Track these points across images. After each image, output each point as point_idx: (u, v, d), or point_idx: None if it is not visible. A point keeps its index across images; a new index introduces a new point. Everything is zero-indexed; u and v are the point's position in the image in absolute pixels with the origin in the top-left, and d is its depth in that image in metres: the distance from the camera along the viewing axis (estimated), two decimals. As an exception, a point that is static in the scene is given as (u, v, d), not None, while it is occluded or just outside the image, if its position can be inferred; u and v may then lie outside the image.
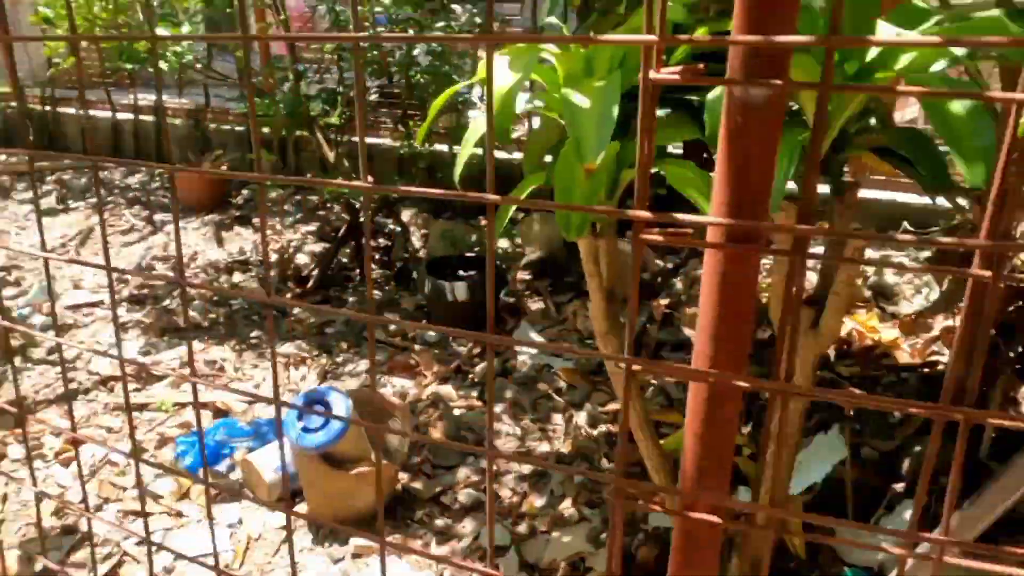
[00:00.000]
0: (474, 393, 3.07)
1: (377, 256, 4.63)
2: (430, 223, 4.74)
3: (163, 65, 3.19)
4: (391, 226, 4.71)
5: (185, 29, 3.25)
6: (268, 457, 2.49)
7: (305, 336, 3.60)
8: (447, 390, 3.07)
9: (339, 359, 3.39)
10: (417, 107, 4.44)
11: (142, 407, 2.97)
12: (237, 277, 4.30)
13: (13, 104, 7.62)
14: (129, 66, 3.21)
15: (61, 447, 2.73)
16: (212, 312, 3.85)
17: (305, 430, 2.26)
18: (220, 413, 2.93)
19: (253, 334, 3.64)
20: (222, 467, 2.63)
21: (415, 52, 3.89)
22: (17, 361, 3.35)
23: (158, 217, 5.43)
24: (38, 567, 2.24)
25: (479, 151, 1.42)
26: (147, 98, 6.82)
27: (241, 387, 3.13)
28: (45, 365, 3.33)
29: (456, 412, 2.93)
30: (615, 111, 1.18)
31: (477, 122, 1.47)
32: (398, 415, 2.51)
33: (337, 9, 3.64)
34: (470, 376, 3.20)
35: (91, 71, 7.10)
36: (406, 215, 4.83)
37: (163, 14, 3.32)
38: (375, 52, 3.96)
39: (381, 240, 4.80)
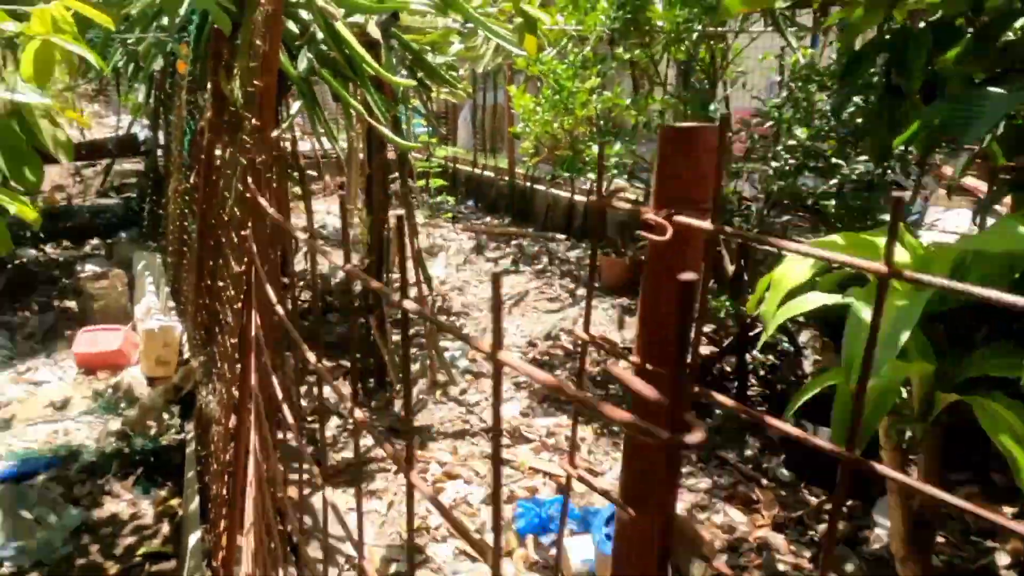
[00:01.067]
0: (806, 553, 2.82)
1: (762, 372, 4.53)
2: (826, 350, 4.46)
3: (591, 175, 3.71)
4: (785, 344, 4.56)
5: (617, 147, 3.74)
6: (581, 546, 2.68)
7: (661, 437, 3.73)
8: (778, 540, 2.89)
9: (684, 470, 3.44)
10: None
11: (505, 462, 3.44)
12: (623, 364, 4.64)
13: (506, 179, 9.40)
14: (567, 174, 3.80)
15: (439, 476, 3.34)
16: (590, 392, 4.25)
17: (609, 537, 2.39)
18: (563, 490, 3.23)
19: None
20: (545, 539, 2.91)
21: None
22: (438, 394, 4.17)
23: (580, 292, 6.15)
24: (392, 569, 2.79)
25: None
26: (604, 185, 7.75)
27: (587, 471, 3.40)
28: (454, 404, 4.08)
29: (780, 567, 2.74)
30: (903, 337, 1.09)
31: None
32: (705, 552, 2.48)
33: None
34: (810, 533, 2.95)
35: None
36: (804, 335, 4.63)
37: (606, 132, 3.86)
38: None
39: (769, 356, 4.68)
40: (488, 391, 4.22)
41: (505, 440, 3.65)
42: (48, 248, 7.53)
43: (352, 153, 7.63)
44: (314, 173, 9.94)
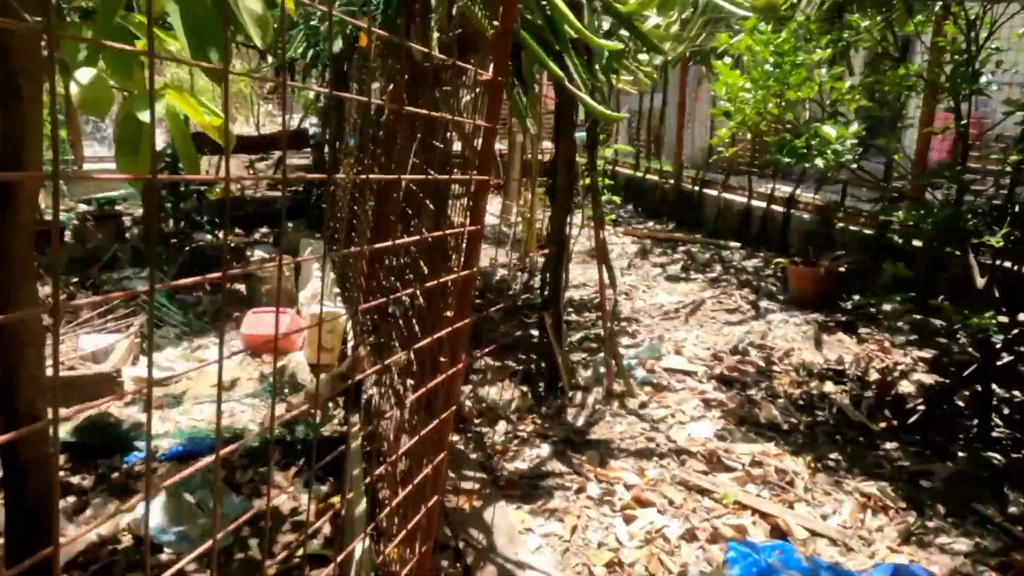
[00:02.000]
0: None
1: (1006, 410, 3.73)
2: (1099, 390, 3.60)
3: (819, 162, 3.12)
4: (1036, 380, 3.74)
5: (852, 128, 3.12)
6: (821, 612, 2.12)
7: (892, 479, 3.07)
8: (1088, 633, 2.19)
9: (930, 524, 2.77)
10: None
11: (704, 492, 2.92)
12: (828, 387, 3.99)
13: (671, 182, 8.82)
14: (787, 160, 3.24)
15: (628, 502, 2.87)
16: (794, 416, 3.63)
17: (880, 609, 1.83)
18: (778, 532, 2.68)
19: (832, 455, 3.28)
20: (766, 595, 2.37)
21: None
22: (615, 405, 3.71)
23: (763, 304, 5.49)
24: (580, 610, 2.35)
25: None
26: (781, 189, 7.03)
27: (807, 513, 2.81)
28: (634, 418, 3.60)
29: (1098, 673, 2.05)
30: None
31: None
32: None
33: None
34: None
35: (741, 160, 7.70)
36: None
37: (832, 113, 3.26)
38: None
39: (1015, 393, 3.86)
40: (673, 406, 3.71)
41: (700, 466, 3.13)
42: (221, 234, 7.79)
43: (513, 146, 7.38)
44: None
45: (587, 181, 3.73)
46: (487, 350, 4.40)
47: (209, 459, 0.83)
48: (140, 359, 4.25)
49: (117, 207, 8.64)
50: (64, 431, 3.34)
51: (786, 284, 5.78)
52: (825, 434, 3.48)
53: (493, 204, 9.33)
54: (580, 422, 3.57)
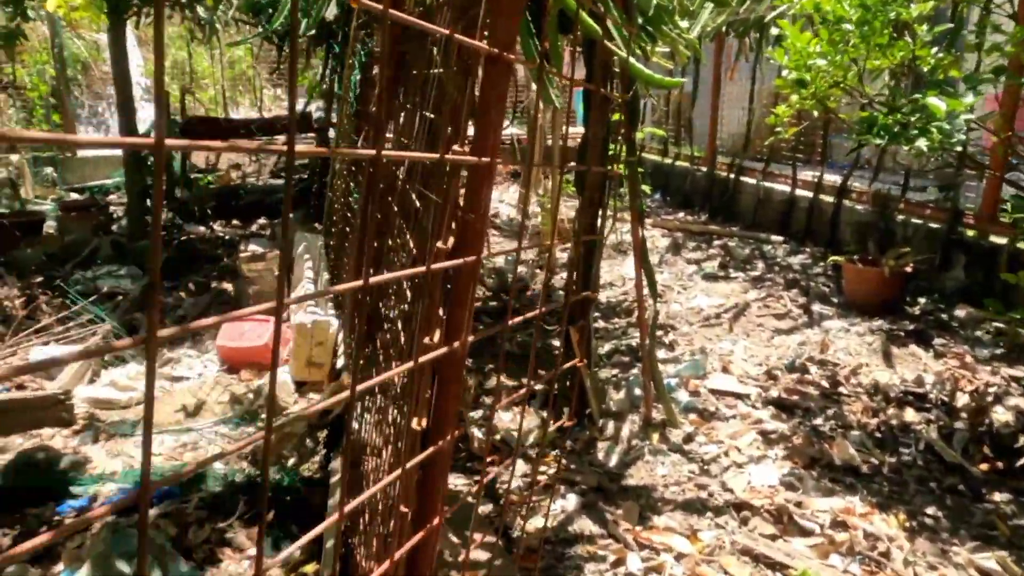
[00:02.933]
0: None
1: None
2: None
3: (921, 144, 2.45)
4: None
5: (968, 99, 2.44)
6: None
7: (1012, 546, 2.42)
8: None
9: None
10: None
11: (776, 567, 2.29)
12: (909, 415, 3.32)
13: (703, 168, 8.13)
14: (878, 141, 2.57)
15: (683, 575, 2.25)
16: (874, 455, 2.98)
17: None
18: (881, 631, 2.04)
19: (929, 510, 2.63)
20: None
21: None
22: (655, 438, 3.08)
23: (816, 308, 4.82)
24: None
25: None
26: (832, 178, 6.32)
27: (915, 599, 2.17)
28: (679, 456, 2.97)
29: None
30: None
31: None
32: None
33: None
34: None
35: (784, 144, 6.99)
36: None
37: (937, 82, 2.58)
38: None
39: None
40: (725, 441, 3.07)
41: (767, 526, 2.49)
42: (216, 226, 7.21)
43: (535, 127, 6.72)
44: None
45: (623, 167, 3.08)
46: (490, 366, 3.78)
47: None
48: (101, 375, 3.67)
49: (110, 196, 8.10)
50: (-9, 473, 2.77)
51: (840, 285, 5.10)
52: (916, 480, 2.83)
53: (510, 193, 8.69)
54: (613, 461, 2.94)
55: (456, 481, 2.80)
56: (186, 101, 8.66)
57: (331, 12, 4.62)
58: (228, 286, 5.18)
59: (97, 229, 6.26)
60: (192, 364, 3.83)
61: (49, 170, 8.65)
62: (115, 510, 0.50)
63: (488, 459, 2.95)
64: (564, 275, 5.43)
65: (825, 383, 3.64)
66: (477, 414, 3.35)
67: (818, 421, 3.26)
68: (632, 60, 2.15)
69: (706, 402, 3.42)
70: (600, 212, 3.05)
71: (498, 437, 3.11)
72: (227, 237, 6.71)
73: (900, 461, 2.95)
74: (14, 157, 7.93)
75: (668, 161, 8.82)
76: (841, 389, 3.57)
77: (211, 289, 5.15)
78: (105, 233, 6.18)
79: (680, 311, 4.81)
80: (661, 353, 4.03)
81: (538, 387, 3.60)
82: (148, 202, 6.01)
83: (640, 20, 3.11)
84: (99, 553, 2.26)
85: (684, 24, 3.80)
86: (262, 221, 7.46)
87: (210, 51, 11.22)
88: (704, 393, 3.51)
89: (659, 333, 4.33)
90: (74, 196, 7.98)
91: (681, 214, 7.93)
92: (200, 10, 7.13)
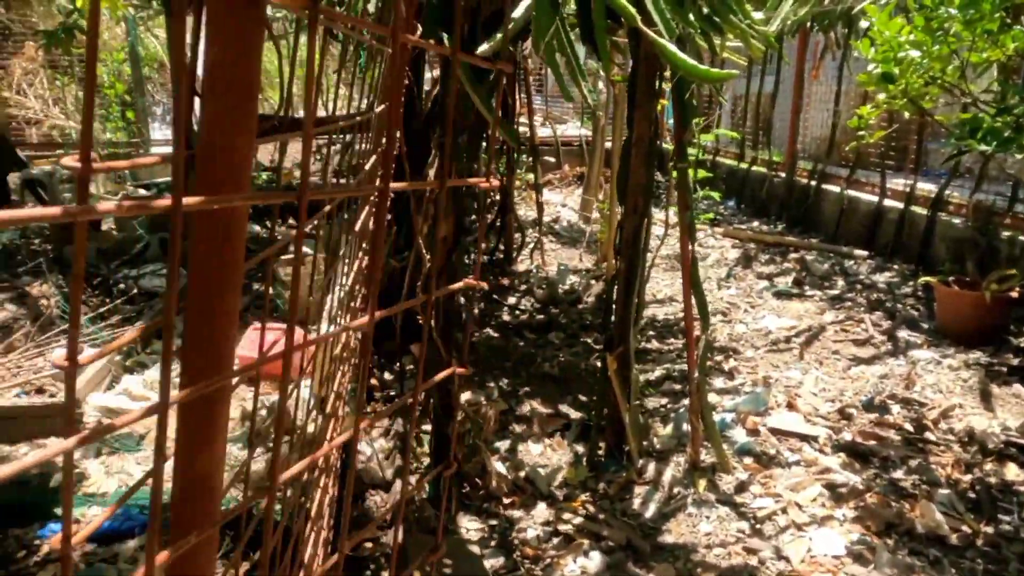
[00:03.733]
0: None
1: None
2: None
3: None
4: None
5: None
6: None
7: None
8: None
9: None
10: None
11: (837, 667, 1.87)
12: (1012, 472, 2.80)
13: (781, 174, 7.56)
14: (983, 147, 2.11)
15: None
16: (966, 522, 2.49)
17: None
18: None
19: (1036, 600, 2.14)
20: None
21: None
22: (701, 485, 2.68)
23: (903, 335, 4.27)
24: None
25: None
26: (926, 188, 5.70)
27: None
28: (728, 509, 2.56)
29: None
30: None
31: None
32: None
33: None
34: None
35: (872, 149, 6.38)
36: None
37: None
38: None
39: None
40: (784, 494, 2.64)
41: (829, 611, 2.07)
42: (268, 224, 7.13)
43: (597, 128, 6.35)
44: (552, 159, 8.84)
45: (674, 173, 2.70)
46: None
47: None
48: (120, 382, 3.53)
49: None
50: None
51: (932, 309, 4.52)
52: (1019, 557, 2.33)
53: (574, 197, 8.33)
54: (650, 511, 2.56)
55: (468, 524, 2.48)
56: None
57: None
58: (269, 290, 5.02)
59: (152, 226, 6.25)
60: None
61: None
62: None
63: (507, 500, 2.62)
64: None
65: (909, 427, 3.14)
66: (504, 444, 3.02)
67: (898, 474, 2.78)
68: (667, 44, 1.78)
69: (765, 444, 2.99)
70: (645, 222, 2.67)
71: (522, 474, 2.78)
72: (280, 237, 6.61)
73: (999, 531, 2.46)
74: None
75: (743, 166, 8.26)
76: (928, 435, 3.07)
77: (250, 291, 5.00)
78: (158, 230, 6.16)
79: (745, 333, 4.35)
80: (719, 382, 3.60)
81: (575, 416, 3.25)
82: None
83: (704, 9, 2.73)
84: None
85: (758, 15, 3.37)
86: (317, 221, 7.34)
87: (287, 50, 11.29)
88: (764, 433, 3.08)
89: (718, 358, 3.89)
90: (142, 192, 8.08)
91: (755, 223, 7.38)
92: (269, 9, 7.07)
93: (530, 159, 5.88)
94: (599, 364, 3.72)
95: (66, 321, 4.02)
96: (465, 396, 3.45)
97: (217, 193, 0.55)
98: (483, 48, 1.80)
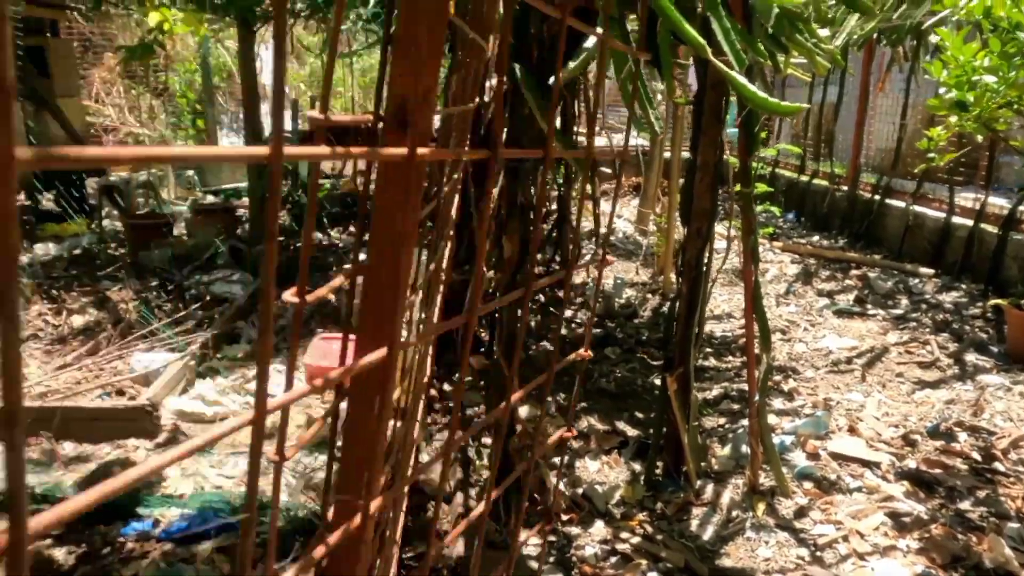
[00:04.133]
0: None
1: None
2: None
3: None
4: None
5: None
6: None
7: None
8: None
9: None
10: None
11: None
12: (1088, 507, 2.72)
13: (844, 188, 7.42)
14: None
15: None
16: (1038, 559, 2.43)
17: None
18: None
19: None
20: None
21: None
22: (760, 509, 2.67)
23: (971, 358, 4.16)
24: None
25: None
26: (997, 204, 5.53)
27: None
28: (787, 535, 2.55)
29: None
30: None
31: None
32: None
33: None
34: None
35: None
36: None
37: None
38: None
39: None
40: (845, 521, 2.61)
41: (891, 644, 2.06)
42: (334, 233, 7.32)
43: (656, 142, 6.34)
44: (608, 170, 8.84)
45: (737, 191, 2.70)
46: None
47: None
48: (194, 386, 3.69)
49: (244, 200, 8.45)
50: (69, 484, 2.79)
51: (1002, 332, 4.40)
52: (1095, 599, 2.27)
53: (628, 208, 8.32)
54: (708, 533, 2.57)
55: (527, 540, 2.53)
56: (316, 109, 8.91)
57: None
58: (332, 297, 5.17)
59: (222, 233, 6.49)
60: (281, 381, 3.78)
61: (191, 173, 9.16)
62: None
63: (565, 517, 2.66)
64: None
65: (977, 455, 3.07)
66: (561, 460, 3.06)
67: (965, 505, 2.73)
68: (738, 77, 1.80)
69: (826, 468, 2.96)
70: (707, 246, 2.68)
71: (580, 490, 2.82)
72: (341, 246, 6.78)
73: (1072, 569, 2.39)
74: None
75: (804, 178, 8.13)
76: (997, 465, 3.00)
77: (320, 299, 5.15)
78: (229, 237, 6.40)
79: (805, 352, 4.30)
80: (778, 403, 3.58)
81: (632, 433, 3.28)
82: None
83: (768, 29, 2.74)
84: (144, 590, 2.17)
85: (824, 32, 3.35)
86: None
87: (346, 60, 11.56)
88: (824, 457, 3.05)
89: (777, 378, 3.86)
90: (210, 199, 8.39)
91: (816, 237, 7.26)
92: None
93: (582, 169, 5.91)
94: (657, 382, 3.74)
95: (145, 325, 4.23)
96: (523, 410, 3.51)
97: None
98: (562, 74, 1.86)
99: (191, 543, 2.51)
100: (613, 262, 5.94)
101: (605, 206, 8.58)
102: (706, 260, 2.71)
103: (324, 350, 3.73)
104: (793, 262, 6.30)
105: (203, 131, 10.06)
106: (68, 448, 3.12)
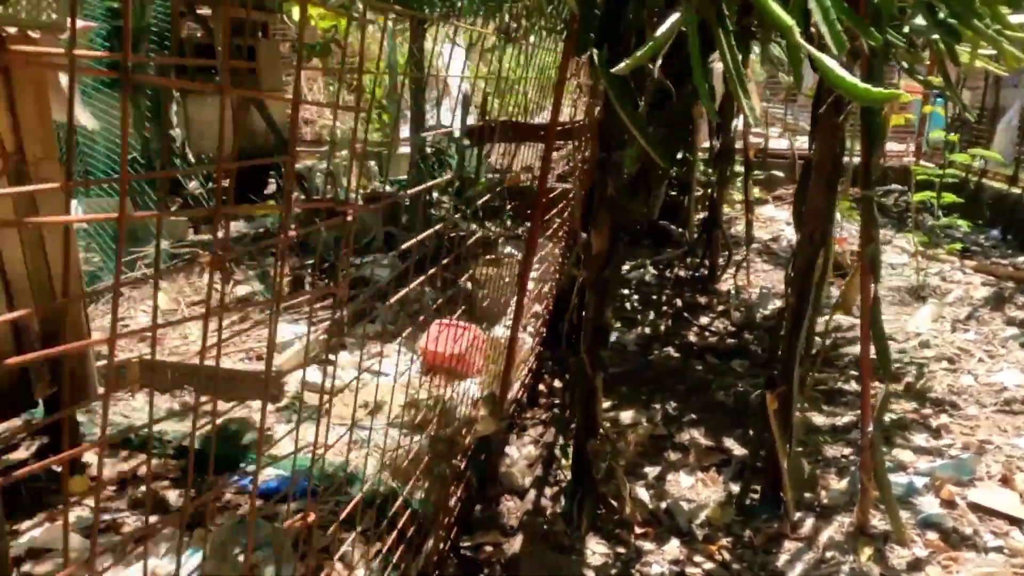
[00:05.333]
0: None
1: None
2: None
3: None
4: None
5: None
6: None
7: None
8: None
9: None
10: None
11: None
12: None
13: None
14: None
15: None
16: None
17: None
18: None
19: None
20: None
21: None
22: (864, 555, 2.36)
23: None
24: None
25: None
26: None
27: None
28: (890, 587, 2.23)
29: None
30: None
31: None
32: None
33: None
34: None
35: None
36: None
37: None
38: None
39: None
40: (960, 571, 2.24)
41: None
42: (492, 225, 7.50)
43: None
44: (780, 174, 8.28)
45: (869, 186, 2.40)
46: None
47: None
48: (322, 359, 3.94)
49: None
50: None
51: None
52: None
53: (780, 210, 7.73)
54: (795, 572, 2.32)
55: (595, 547, 2.43)
56: (490, 106, 9.20)
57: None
58: (469, 286, 5.29)
59: (386, 220, 6.88)
60: (402, 360, 3.92)
61: (372, 163, 9.81)
62: None
63: (640, 529, 2.52)
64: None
65: None
66: (655, 471, 2.91)
67: None
68: (825, 59, 1.57)
69: (961, 520, 2.56)
70: (823, 252, 2.41)
71: (663, 504, 2.65)
72: (492, 237, 6.93)
73: None
74: (343, 152, 9.16)
75: (1016, 191, 7.09)
76: None
77: (456, 286, 5.30)
78: (389, 224, 6.77)
79: (971, 386, 3.74)
80: (919, 438, 3.14)
81: (738, 452, 3.04)
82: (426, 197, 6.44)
83: (941, 14, 2.43)
84: (220, 541, 2.35)
85: (1017, 19, 2.88)
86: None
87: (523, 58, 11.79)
88: (962, 507, 2.63)
89: (927, 411, 3.39)
90: (387, 188, 8.93)
91: (1021, 259, 6.30)
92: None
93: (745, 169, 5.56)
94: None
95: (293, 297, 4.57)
96: (627, 415, 3.38)
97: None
98: (622, 65, 1.74)
99: (279, 502, 2.68)
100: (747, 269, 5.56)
101: (774, 212, 8.06)
102: (822, 269, 2.43)
103: (438, 335, 3.82)
104: (984, 284, 5.51)
105: (388, 125, 10.72)
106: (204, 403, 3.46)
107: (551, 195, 3.76)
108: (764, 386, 2.62)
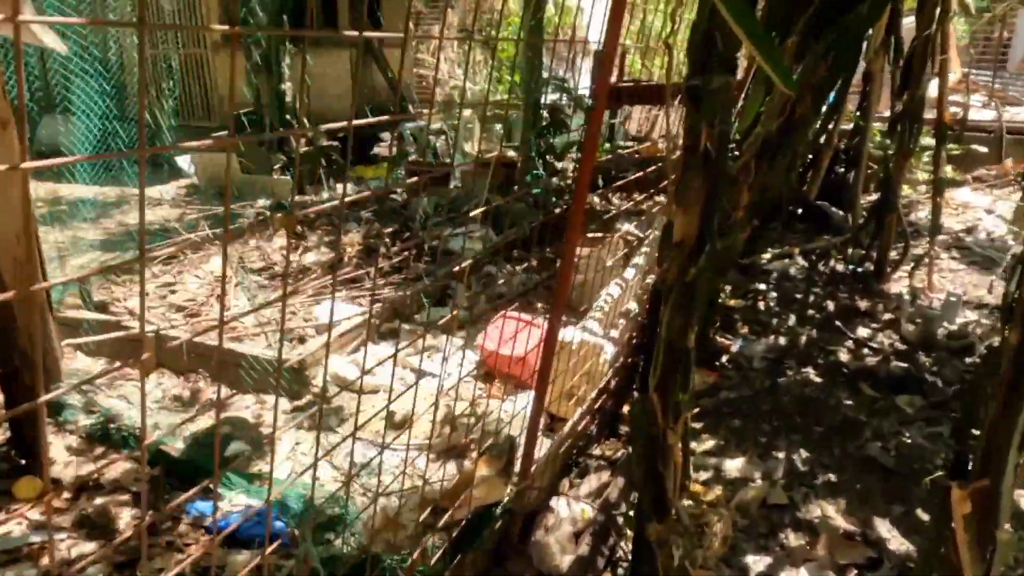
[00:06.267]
0: None
1: None
2: None
3: None
4: None
5: None
6: None
7: None
8: None
9: None
10: None
11: None
12: None
13: None
14: None
15: None
16: None
17: None
18: None
19: None
20: None
21: None
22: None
23: None
24: None
25: None
26: None
27: None
28: None
29: None
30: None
31: None
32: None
33: None
34: None
35: None
36: None
37: None
38: None
39: None
40: None
41: None
42: (615, 198, 6.59)
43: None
44: (982, 149, 6.70)
45: None
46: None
47: None
48: (369, 346, 3.28)
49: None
50: (182, 441, 2.51)
51: None
52: None
53: (1007, 202, 6.17)
54: None
55: None
56: (630, 65, 8.26)
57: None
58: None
59: (495, 187, 6.17)
60: (453, 359, 3.19)
61: (498, 127, 9.11)
62: None
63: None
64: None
65: None
66: (760, 564, 1.98)
67: None
68: None
69: None
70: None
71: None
72: (611, 210, 6.02)
73: None
74: (467, 112, 8.53)
75: None
76: None
77: (551, 268, 4.50)
78: (497, 191, 6.05)
79: None
80: None
81: (896, 547, 2.04)
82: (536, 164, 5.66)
83: None
84: None
85: None
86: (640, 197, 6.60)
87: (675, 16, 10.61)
88: None
89: None
90: (511, 153, 8.24)
91: None
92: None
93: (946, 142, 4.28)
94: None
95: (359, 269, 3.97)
96: (734, 464, 2.45)
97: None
98: None
99: (237, 544, 2.04)
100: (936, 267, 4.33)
101: (971, 196, 6.52)
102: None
103: (499, 333, 3.04)
104: None
105: (519, 84, 9.98)
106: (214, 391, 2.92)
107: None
108: (949, 471, 1.62)
